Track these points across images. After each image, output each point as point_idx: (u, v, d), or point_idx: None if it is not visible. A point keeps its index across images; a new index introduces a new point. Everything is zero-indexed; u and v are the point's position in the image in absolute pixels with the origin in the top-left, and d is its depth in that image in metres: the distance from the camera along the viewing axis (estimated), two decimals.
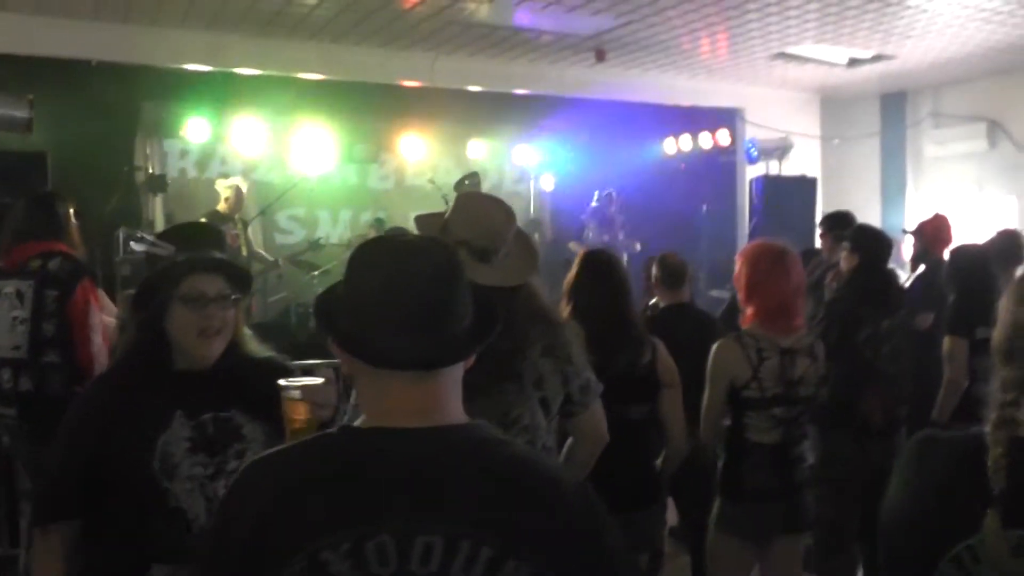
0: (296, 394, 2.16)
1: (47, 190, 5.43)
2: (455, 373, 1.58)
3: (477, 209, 2.90)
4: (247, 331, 2.71)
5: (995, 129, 11.43)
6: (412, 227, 3.17)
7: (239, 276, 2.66)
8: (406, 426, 1.51)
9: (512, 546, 1.43)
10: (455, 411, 1.57)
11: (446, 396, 1.56)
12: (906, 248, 7.79)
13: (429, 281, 1.52)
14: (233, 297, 2.59)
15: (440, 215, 2.95)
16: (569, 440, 3.24)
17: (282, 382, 2.20)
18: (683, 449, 4.11)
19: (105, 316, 5.11)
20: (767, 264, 3.84)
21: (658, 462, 4.21)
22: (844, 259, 5.22)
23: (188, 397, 2.54)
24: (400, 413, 1.52)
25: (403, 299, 1.51)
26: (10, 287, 4.85)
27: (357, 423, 1.58)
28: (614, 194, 11.70)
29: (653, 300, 5.71)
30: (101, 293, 5.15)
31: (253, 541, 1.46)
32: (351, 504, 1.45)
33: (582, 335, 3.57)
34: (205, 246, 2.68)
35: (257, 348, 2.73)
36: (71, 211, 5.16)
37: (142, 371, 2.57)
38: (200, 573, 1.56)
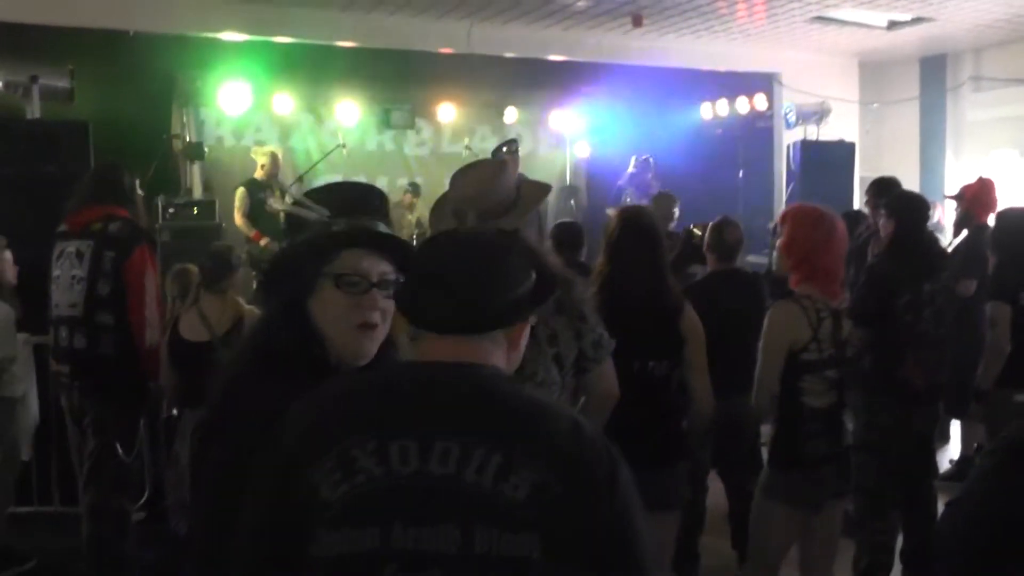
0: None
1: (111, 160, 5.52)
2: (494, 336, 1.74)
3: (460, 177, 3.09)
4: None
5: None
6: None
7: (407, 255, 2.07)
8: (439, 360, 1.70)
9: (521, 457, 1.55)
10: (489, 362, 1.73)
11: (480, 352, 1.72)
12: (948, 213, 7.72)
13: (470, 259, 1.71)
14: (400, 282, 2.01)
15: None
16: (582, 399, 3.28)
17: None
18: (708, 408, 4.09)
19: None
20: (821, 229, 3.81)
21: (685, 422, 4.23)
22: (882, 225, 5.20)
23: None
24: (434, 355, 1.71)
25: (442, 271, 1.70)
26: (72, 247, 4.96)
27: None
28: (651, 160, 11.66)
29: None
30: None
31: (298, 446, 1.63)
32: (380, 413, 1.63)
33: (603, 297, 3.61)
34: (367, 214, 2.11)
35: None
36: (136, 183, 5.25)
37: (304, 370, 1.97)
38: (253, 480, 1.69)
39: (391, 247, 2.05)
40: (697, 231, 5.92)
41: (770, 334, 3.83)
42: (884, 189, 6.24)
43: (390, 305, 2.03)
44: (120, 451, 4.90)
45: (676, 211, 7.81)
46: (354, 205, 2.12)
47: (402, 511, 1.53)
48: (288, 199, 2.05)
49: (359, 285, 1.99)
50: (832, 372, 3.79)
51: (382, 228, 2.09)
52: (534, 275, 1.76)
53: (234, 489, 1.78)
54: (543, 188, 3.33)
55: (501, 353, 1.75)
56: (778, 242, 4.02)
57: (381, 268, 2.02)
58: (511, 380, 1.73)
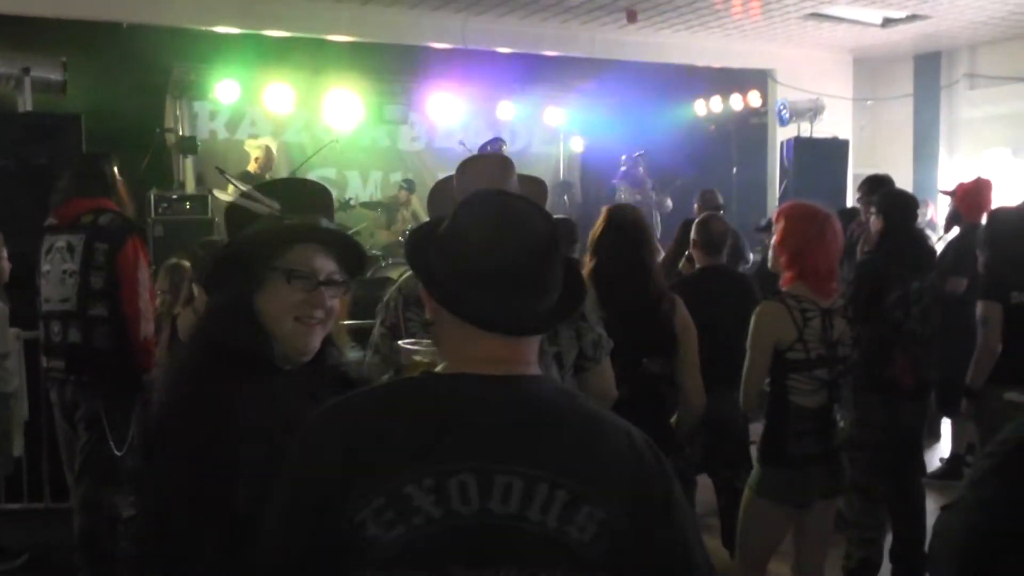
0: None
1: (93, 151, 5.49)
2: (538, 336, 1.64)
3: (469, 172, 3.00)
4: (344, 324, 2.19)
5: None
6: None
7: (357, 257, 2.12)
8: (488, 373, 1.55)
9: (586, 492, 1.47)
10: (534, 363, 1.62)
11: (528, 351, 1.60)
12: (941, 211, 7.72)
13: (532, 252, 1.55)
14: (345, 283, 2.07)
15: (451, 180, 3.04)
16: None
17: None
18: (698, 405, 4.09)
19: None
20: (817, 227, 3.81)
21: (673, 419, 4.22)
22: (872, 223, 5.22)
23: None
24: (483, 363, 1.56)
25: (507, 267, 1.53)
26: (61, 241, 4.93)
27: (438, 369, 1.63)
28: (642, 156, 11.68)
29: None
30: None
31: (336, 475, 1.48)
32: (433, 442, 1.48)
33: (592, 293, 3.59)
34: (317, 210, 2.12)
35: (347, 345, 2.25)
36: (116, 170, 5.22)
37: (250, 365, 1.98)
38: (280, 507, 1.55)
39: (343, 246, 2.06)
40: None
41: (755, 333, 3.84)
42: (875, 186, 6.25)
43: (336, 304, 2.03)
44: (113, 445, 4.89)
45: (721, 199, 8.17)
46: (306, 201, 2.11)
47: (462, 554, 1.44)
48: (231, 190, 1.94)
49: (309, 281, 1.98)
50: (822, 372, 3.79)
51: (334, 226, 2.10)
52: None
53: (189, 491, 1.77)
54: (541, 185, 3.31)
55: (537, 347, 1.65)
56: (772, 239, 4.02)
57: (330, 267, 2.02)
58: (561, 387, 1.64)
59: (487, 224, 1.57)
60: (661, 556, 1.52)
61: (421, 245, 1.64)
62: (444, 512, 1.44)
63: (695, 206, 8.16)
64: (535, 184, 3.18)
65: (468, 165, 3.04)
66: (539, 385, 1.59)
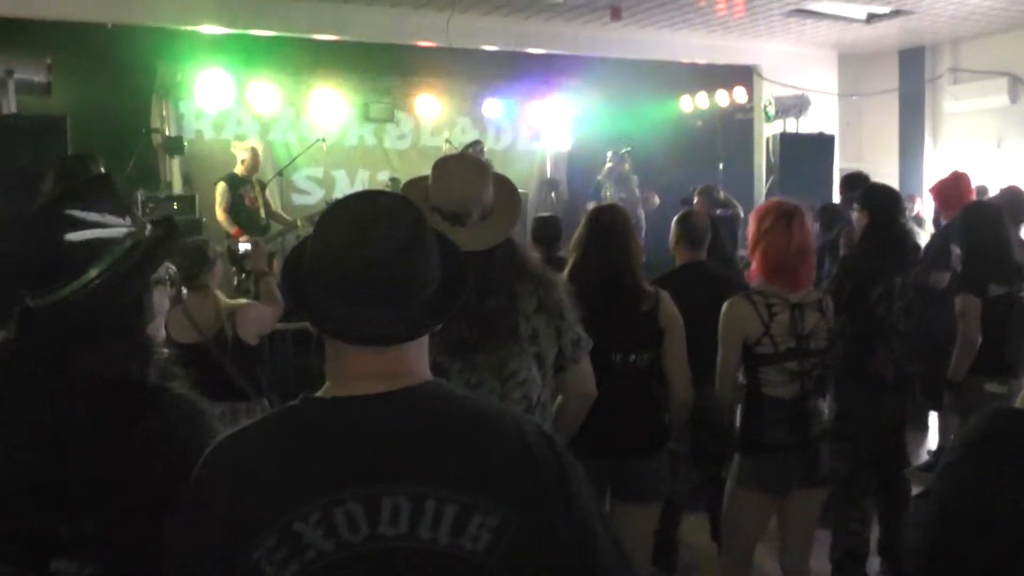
0: None
1: (79, 153, 5.46)
2: (420, 339, 1.58)
3: (447, 174, 2.96)
4: None
5: (1016, 83, 11.34)
6: None
7: None
8: (366, 392, 1.51)
9: (476, 501, 1.45)
10: (417, 371, 1.57)
11: (408, 360, 1.56)
12: (927, 206, 7.75)
13: (389, 254, 1.50)
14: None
15: (424, 179, 3.00)
16: (559, 397, 3.29)
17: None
18: (686, 398, 4.11)
19: None
20: (770, 222, 3.90)
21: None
22: (856, 219, 5.25)
23: None
24: (360, 380, 1.52)
25: (361, 274, 1.49)
26: None
27: (320, 392, 1.58)
28: (627, 153, 11.70)
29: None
30: None
31: (226, 520, 1.45)
32: (316, 474, 1.46)
33: (572, 290, 3.60)
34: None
35: None
36: (102, 171, 5.21)
37: None
38: (178, 561, 1.51)
39: None
40: None
41: (723, 329, 3.95)
42: (855, 183, 6.29)
43: None
44: None
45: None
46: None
47: None
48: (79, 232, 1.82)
49: None
50: (792, 364, 3.85)
51: None
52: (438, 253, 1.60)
53: None
54: (508, 183, 3.27)
55: (424, 349, 1.61)
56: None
57: None
58: (445, 393, 1.58)
59: (340, 233, 1.52)
60: (565, 549, 1.50)
61: (295, 267, 1.62)
62: (335, 544, 1.42)
63: (695, 201, 8.02)
64: (503, 183, 3.14)
65: (446, 172, 3.00)
66: (422, 395, 1.54)
